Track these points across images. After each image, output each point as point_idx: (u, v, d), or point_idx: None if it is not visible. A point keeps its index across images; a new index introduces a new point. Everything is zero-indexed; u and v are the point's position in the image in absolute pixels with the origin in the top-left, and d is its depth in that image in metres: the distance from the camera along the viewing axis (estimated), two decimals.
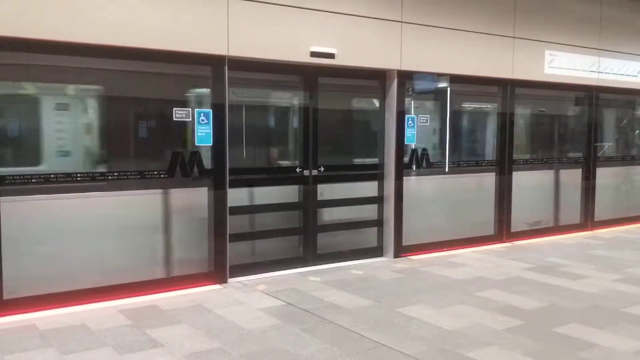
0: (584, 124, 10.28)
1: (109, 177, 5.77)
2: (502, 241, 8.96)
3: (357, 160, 8.14)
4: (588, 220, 10.28)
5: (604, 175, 10.52)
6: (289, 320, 5.23)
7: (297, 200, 7.26)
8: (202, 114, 6.18)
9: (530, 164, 9.48)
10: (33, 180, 5.38)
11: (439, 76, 8.12)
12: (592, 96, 10.18)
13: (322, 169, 7.29)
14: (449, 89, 8.17)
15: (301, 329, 5.02)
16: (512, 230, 9.12)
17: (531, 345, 4.71)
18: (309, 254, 7.28)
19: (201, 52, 6.10)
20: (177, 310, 5.50)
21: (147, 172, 5.99)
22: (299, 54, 6.77)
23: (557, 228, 9.85)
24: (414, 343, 4.73)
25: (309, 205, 7.26)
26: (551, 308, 5.72)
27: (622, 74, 10.37)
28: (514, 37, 8.71)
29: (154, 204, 6.09)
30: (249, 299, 5.86)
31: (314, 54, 6.84)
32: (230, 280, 6.48)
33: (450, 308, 5.66)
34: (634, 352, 4.61)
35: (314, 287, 6.36)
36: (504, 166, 8.97)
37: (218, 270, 6.41)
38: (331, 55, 6.96)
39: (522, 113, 9.55)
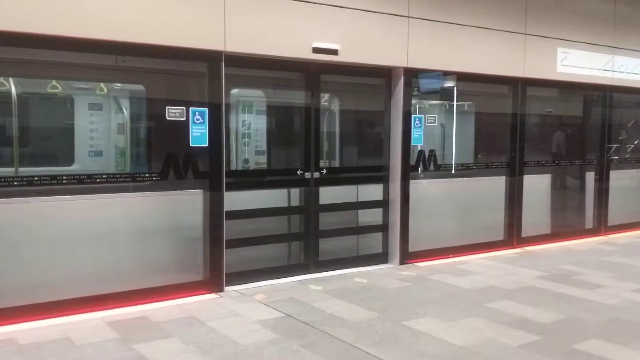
0: (597, 125, 9.90)
1: (97, 180, 5.42)
2: (512, 247, 8.58)
3: (362, 162, 7.81)
4: (601, 224, 9.89)
5: (618, 178, 10.13)
6: (287, 335, 4.87)
7: (298, 204, 6.90)
8: (197, 113, 5.83)
9: (542, 166, 9.10)
10: (15, 183, 5.03)
11: (448, 74, 7.75)
12: (605, 96, 9.80)
13: (325, 171, 6.93)
14: (455, 88, 7.83)
15: (300, 345, 4.66)
16: (523, 235, 8.74)
17: None
18: (310, 261, 6.92)
19: (196, 47, 5.74)
20: (168, 322, 5.14)
21: (138, 175, 5.64)
22: (301, 50, 6.40)
23: (569, 233, 9.47)
24: None
25: (310, 209, 6.89)
26: (568, 321, 5.35)
27: (638, 73, 9.96)
28: (525, 34, 8.33)
29: (147, 207, 5.73)
30: (246, 310, 5.50)
31: (316, 50, 6.47)
32: (226, 288, 6.12)
33: (460, 321, 5.29)
34: None
35: (315, 296, 6.00)
36: (515, 168, 8.59)
37: (214, 278, 6.05)
38: (334, 52, 6.60)
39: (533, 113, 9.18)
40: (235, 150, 7.41)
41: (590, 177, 9.89)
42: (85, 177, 5.37)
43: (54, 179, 5.20)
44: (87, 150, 7.49)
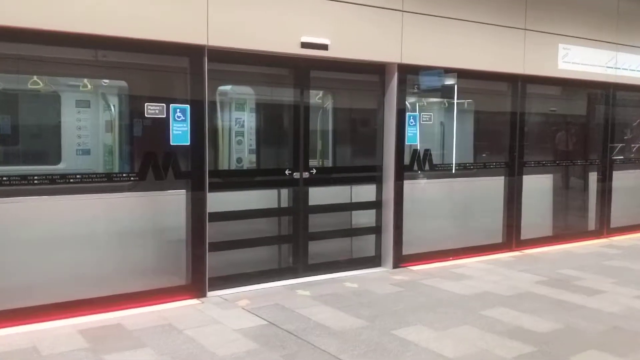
0: (600, 124, 9.60)
1: (71, 180, 5.16)
2: (511, 250, 8.29)
3: (354, 162, 7.54)
4: (604, 226, 9.59)
5: (621, 178, 9.82)
6: (268, 345, 4.60)
7: (286, 205, 6.63)
8: (178, 110, 5.56)
9: (542, 166, 8.81)
10: None
11: (444, 71, 7.47)
12: (608, 93, 9.50)
13: (314, 171, 6.66)
14: (455, 85, 7.56)
15: (281, 356, 4.39)
16: (522, 237, 8.44)
17: None
18: (299, 264, 6.65)
19: (177, 41, 5.46)
20: (143, 330, 4.88)
21: (115, 175, 5.38)
22: (288, 45, 6.12)
23: (570, 235, 9.18)
24: None
25: (299, 211, 6.62)
26: (567, 331, 5.06)
27: None
28: (525, 29, 8.03)
29: (125, 209, 5.46)
30: (227, 318, 5.23)
31: (304, 45, 6.19)
32: (209, 294, 5.85)
33: (452, 330, 5.01)
34: None
35: (302, 302, 5.73)
36: (514, 168, 8.30)
37: (196, 283, 5.78)
38: (324, 47, 6.32)
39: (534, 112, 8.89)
40: (222, 149, 7.16)
41: (592, 177, 9.60)
42: (58, 177, 5.11)
43: (24, 178, 4.93)
44: (74, 149, 7.28)
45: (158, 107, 5.45)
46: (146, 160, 5.47)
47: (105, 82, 6.97)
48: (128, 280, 5.47)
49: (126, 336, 4.75)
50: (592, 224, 9.62)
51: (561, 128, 9.51)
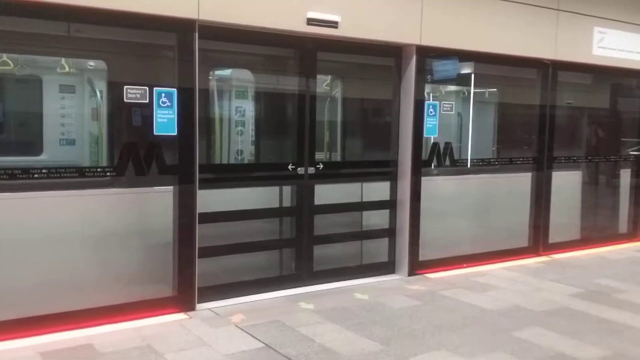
0: (636, 117, 8.77)
1: (35, 175, 4.39)
2: (537, 254, 7.49)
3: (366, 156, 6.77)
4: (637, 229, 8.77)
5: None
6: None
7: (288, 204, 5.86)
8: (163, 95, 4.78)
9: (572, 162, 8.00)
10: None
11: (467, 55, 6.67)
12: None
13: (321, 166, 5.88)
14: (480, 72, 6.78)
15: None
16: (550, 241, 7.64)
17: None
18: (303, 271, 5.88)
19: (163, 14, 4.68)
20: (117, 353, 4.13)
21: (88, 170, 4.62)
22: (292, 21, 5.33)
23: (601, 238, 8.36)
24: None
25: (303, 211, 5.84)
26: (616, 359, 4.28)
27: None
28: (558, 10, 7.20)
29: (99, 209, 4.70)
30: (217, 338, 4.46)
31: (311, 22, 5.39)
32: (198, 306, 5.09)
33: (482, 358, 4.23)
34: None
35: (305, 319, 4.96)
36: (543, 165, 7.48)
37: (183, 294, 5.02)
38: (333, 24, 5.52)
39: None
40: (217, 141, 6.44)
41: (625, 174, 8.78)
42: (20, 172, 4.35)
43: None
44: (57, 138, 6.64)
45: (139, 91, 4.68)
46: (125, 152, 4.71)
47: (91, 65, 6.31)
48: (102, 291, 4.71)
49: None
50: (623, 226, 8.81)
51: (593, 121, 8.68)
